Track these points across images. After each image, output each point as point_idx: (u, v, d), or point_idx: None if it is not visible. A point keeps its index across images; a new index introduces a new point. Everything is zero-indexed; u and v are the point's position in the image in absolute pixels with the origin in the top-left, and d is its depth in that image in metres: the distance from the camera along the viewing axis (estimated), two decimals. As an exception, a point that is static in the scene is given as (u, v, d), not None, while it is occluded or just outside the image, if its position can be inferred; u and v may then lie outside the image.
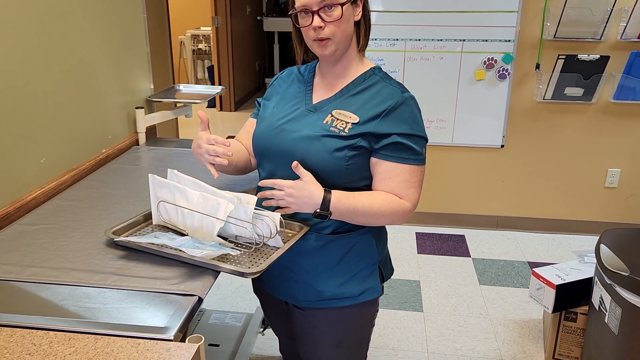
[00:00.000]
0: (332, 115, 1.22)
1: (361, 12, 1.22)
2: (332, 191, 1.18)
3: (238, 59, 6.36)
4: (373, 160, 1.22)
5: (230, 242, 1.24)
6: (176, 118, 2.84)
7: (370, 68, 1.28)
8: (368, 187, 1.26)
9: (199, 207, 1.23)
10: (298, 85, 1.33)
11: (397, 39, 3.05)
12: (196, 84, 6.89)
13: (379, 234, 1.34)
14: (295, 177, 1.18)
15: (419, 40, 3.04)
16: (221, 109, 6.36)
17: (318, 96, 1.29)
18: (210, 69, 6.47)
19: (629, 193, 3.23)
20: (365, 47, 1.28)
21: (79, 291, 1.08)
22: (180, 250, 1.15)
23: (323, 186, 1.18)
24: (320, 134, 1.20)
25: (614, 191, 3.24)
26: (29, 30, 1.49)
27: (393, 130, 1.19)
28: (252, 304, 2.58)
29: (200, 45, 6.90)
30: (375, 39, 3.04)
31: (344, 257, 1.28)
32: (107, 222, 1.38)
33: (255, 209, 1.20)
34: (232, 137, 1.44)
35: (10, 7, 1.41)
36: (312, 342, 1.37)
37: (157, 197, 1.31)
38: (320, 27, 1.16)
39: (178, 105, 2.44)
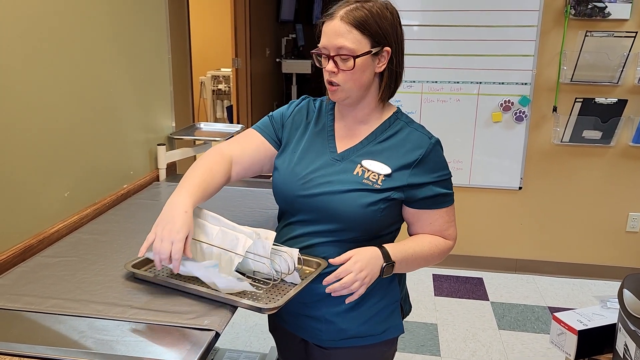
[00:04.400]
0: (362, 166, 1.22)
1: (385, 65, 1.19)
2: (383, 245, 1.20)
3: (256, 99, 6.49)
4: (411, 210, 1.24)
5: (248, 277, 1.25)
6: (195, 155, 2.89)
7: (393, 113, 1.28)
8: (397, 231, 1.29)
9: (218, 241, 1.24)
10: (317, 126, 1.31)
11: (414, 81, 3.10)
12: (215, 122, 7.01)
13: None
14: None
15: (436, 82, 3.09)
16: (239, 148, 6.43)
17: (342, 144, 1.27)
18: (229, 109, 6.60)
19: (651, 238, 3.17)
20: (389, 98, 1.26)
21: (97, 323, 1.09)
22: (200, 282, 1.15)
23: (356, 234, 1.21)
24: (353, 188, 1.19)
25: (636, 236, 3.18)
26: (58, 68, 1.55)
27: (428, 180, 1.20)
28: (266, 344, 2.55)
29: (220, 86, 7.07)
30: (393, 81, 3.09)
31: (367, 295, 1.26)
32: (127, 256, 1.40)
33: (273, 244, 1.21)
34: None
35: (40, 46, 1.47)
36: (330, 382, 1.34)
37: (177, 232, 1.32)
38: (333, 72, 1.17)
39: (197, 142, 2.48)
